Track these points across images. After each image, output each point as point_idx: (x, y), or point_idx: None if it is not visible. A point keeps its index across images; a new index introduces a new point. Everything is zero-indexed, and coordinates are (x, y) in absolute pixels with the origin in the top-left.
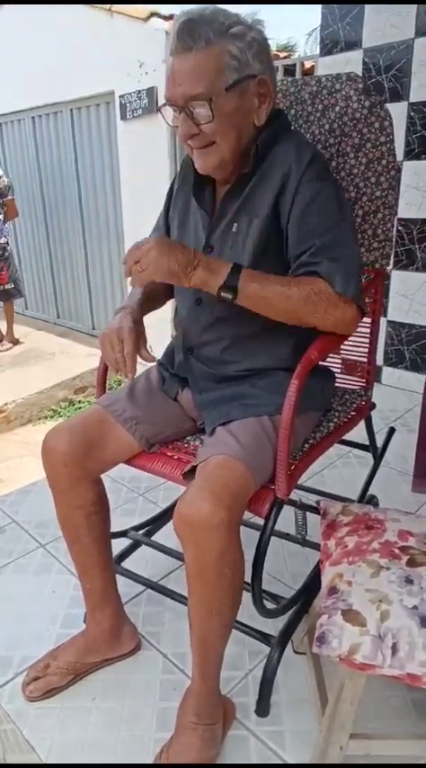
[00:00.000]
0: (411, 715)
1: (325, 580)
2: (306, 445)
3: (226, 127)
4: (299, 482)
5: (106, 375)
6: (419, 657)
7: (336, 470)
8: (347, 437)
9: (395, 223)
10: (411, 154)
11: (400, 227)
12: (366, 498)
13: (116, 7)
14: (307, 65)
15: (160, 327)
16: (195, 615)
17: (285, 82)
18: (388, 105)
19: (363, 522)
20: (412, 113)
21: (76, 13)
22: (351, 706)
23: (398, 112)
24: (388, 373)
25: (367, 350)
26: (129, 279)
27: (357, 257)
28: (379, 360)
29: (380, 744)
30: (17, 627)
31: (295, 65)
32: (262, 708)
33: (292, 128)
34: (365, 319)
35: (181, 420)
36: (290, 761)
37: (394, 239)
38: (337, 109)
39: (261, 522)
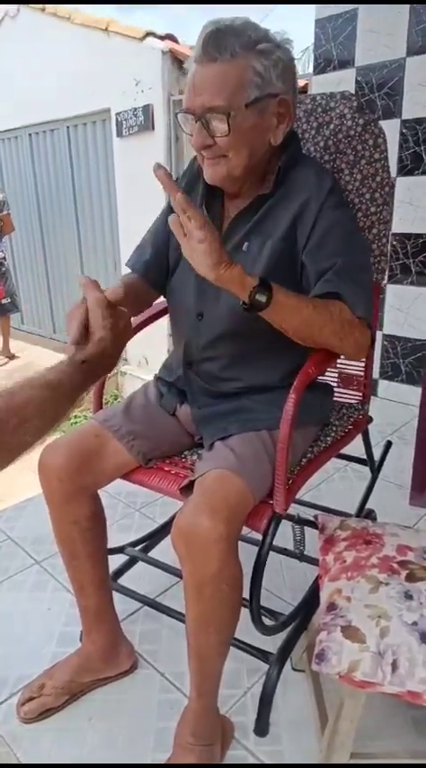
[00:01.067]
0: (411, 733)
1: (324, 596)
2: (304, 459)
3: (240, 143)
4: (297, 497)
5: (102, 390)
6: (419, 674)
7: (334, 485)
8: (344, 451)
9: (390, 238)
10: (404, 170)
11: (394, 242)
12: (364, 512)
13: (113, 27)
14: (301, 83)
15: (159, 341)
16: (192, 631)
17: None
18: (381, 122)
19: (361, 537)
20: (404, 130)
21: (74, 32)
22: (351, 724)
23: (391, 129)
24: (384, 387)
25: (363, 363)
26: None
27: (371, 284)
28: (375, 373)
29: (381, 763)
30: (12, 645)
31: None
32: (261, 727)
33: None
34: None
35: (179, 435)
36: None
37: (389, 254)
38: (332, 126)
39: (259, 537)
